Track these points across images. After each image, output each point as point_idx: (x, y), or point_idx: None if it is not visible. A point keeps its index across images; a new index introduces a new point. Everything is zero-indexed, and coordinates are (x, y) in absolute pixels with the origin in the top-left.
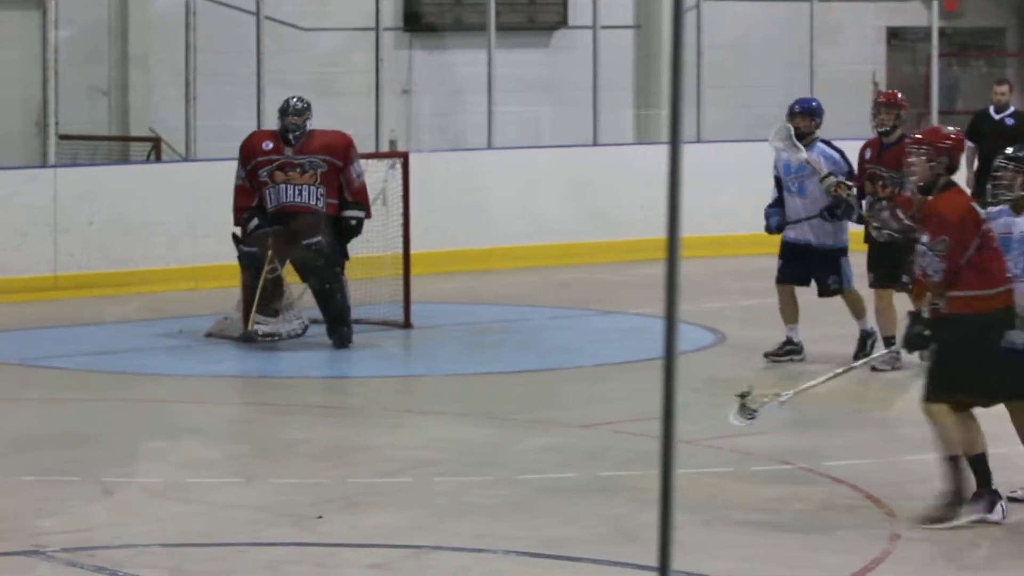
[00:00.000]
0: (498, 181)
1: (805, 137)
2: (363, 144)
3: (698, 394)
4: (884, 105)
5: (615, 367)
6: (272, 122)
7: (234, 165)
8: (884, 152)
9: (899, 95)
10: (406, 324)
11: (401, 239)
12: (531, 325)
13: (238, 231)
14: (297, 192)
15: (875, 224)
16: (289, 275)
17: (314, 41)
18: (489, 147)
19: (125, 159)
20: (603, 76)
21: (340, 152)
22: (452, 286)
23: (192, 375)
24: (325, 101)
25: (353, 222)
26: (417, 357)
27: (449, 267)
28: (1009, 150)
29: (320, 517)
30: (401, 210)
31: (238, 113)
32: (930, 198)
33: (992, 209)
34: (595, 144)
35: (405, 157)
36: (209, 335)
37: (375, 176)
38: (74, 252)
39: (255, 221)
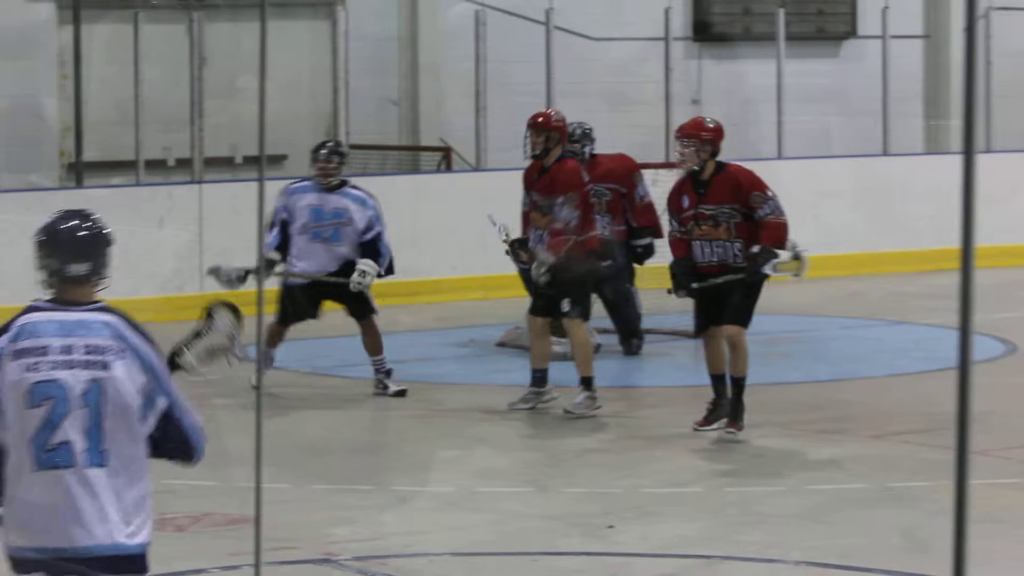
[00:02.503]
0: (788, 191)
1: None
2: (653, 154)
3: (989, 404)
4: None
5: (906, 377)
6: None
7: (521, 176)
8: None
9: None
10: (696, 334)
11: None
12: (821, 335)
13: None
14: None
15: None
16: None
17: (604, 51)
18: (779, 157)
19: (416, 169)
20: (892, 86)
21: (624, 179)
22: None
23: (483, 384)
24: (615, 111)
25: (640, 250)
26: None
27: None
28: None
29: (611, 527)
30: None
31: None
32: None
33: None
34: (885, 154)
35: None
36: (501, 344)
37: (665, 187)
38: None
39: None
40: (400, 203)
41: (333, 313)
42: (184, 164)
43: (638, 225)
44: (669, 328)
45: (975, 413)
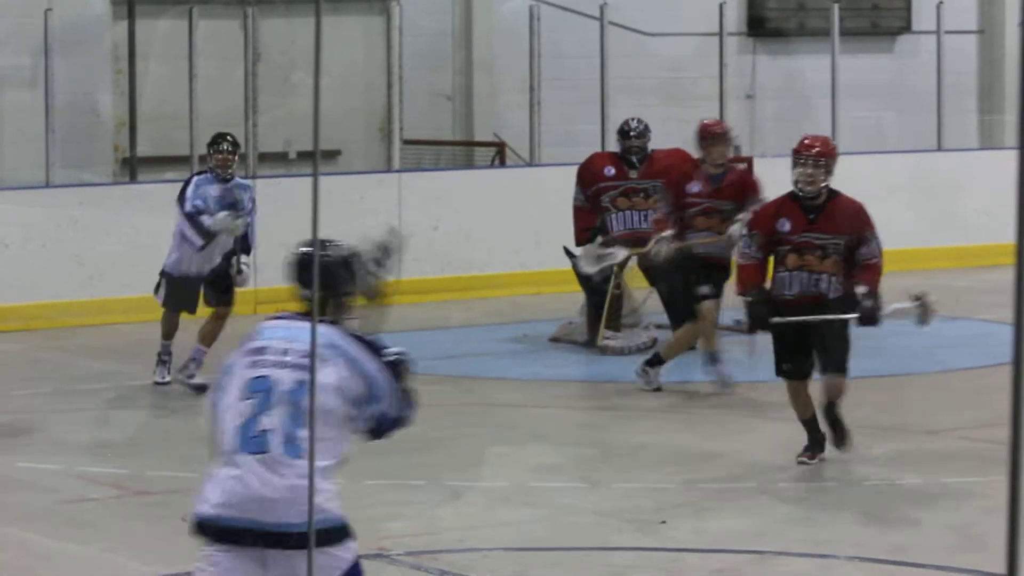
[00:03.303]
0: (843, 186)
1: None
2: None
3: None
4: None
5: (961, 373)
6: (615, 128)
7: (575, 171)
8: None
9: None
10: (751, 329)
11: None
12: (877, 331)
13: (571, 247)
14: (643, 218)
15: None
16: (635, 280)
17: (659, 46)
18: None
19: (469, 164)
20: (947, 81)
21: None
22: None
23: (536, 379)
24: (669, 106)
25: None
26: (763, 362)
27: None
28: None
29: (664, 522)
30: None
31: (582, 118)
32: None
33: None
34: (940, 149)
35: (749, 162)
36: (554, 339)
37: None
38: (419, 257)
39: (600, 239)
40: (453, 198)
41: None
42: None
43: None
44: (724, 324)
45: None
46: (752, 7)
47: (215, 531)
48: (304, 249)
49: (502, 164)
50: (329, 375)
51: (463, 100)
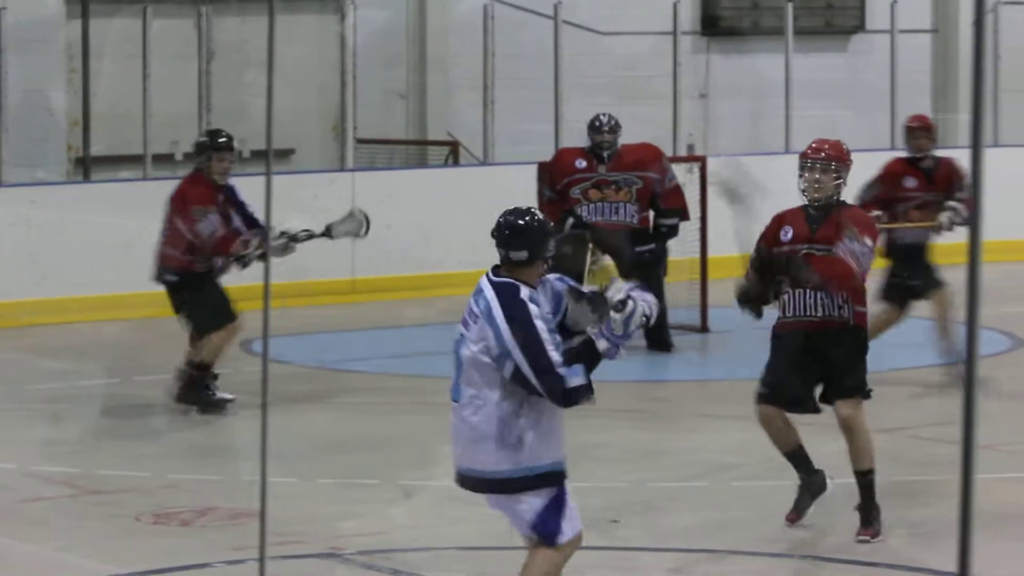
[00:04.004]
0: (796, 185)
1: None
2: (661, 148)
3: (996, 399)
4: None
5: (912, 371)
6: (568, 127)
7: (531, 170)
8: None
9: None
10: (703, 328)
11: (699, 243)
12: None
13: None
14: (613, 210)
15: None
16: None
17: (612, 45)
18: (787, 151)
19: (423, 163)
20: (901, 80)
21: (653, 165)
22: None
23: None
24: (623, 105)
25: (664, 229)
26: (715, 361)
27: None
28: None
29: (616, 521)
30: (699, 214)
31: (536, 117)
32: None
33: None
34: (893, 148)
35: (703, 161)
36: None
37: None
38: (373, 256)
39: (571, 220)
40: (407, 197)
41: (341, 307)
42: (191, 158)
43: (665, 207)
44: (676, 322)
45: (981, 408)
46: (706, 6)
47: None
48: (510, 218)
49: (456, 163)
50: (473, 331)
51: (417, 99)
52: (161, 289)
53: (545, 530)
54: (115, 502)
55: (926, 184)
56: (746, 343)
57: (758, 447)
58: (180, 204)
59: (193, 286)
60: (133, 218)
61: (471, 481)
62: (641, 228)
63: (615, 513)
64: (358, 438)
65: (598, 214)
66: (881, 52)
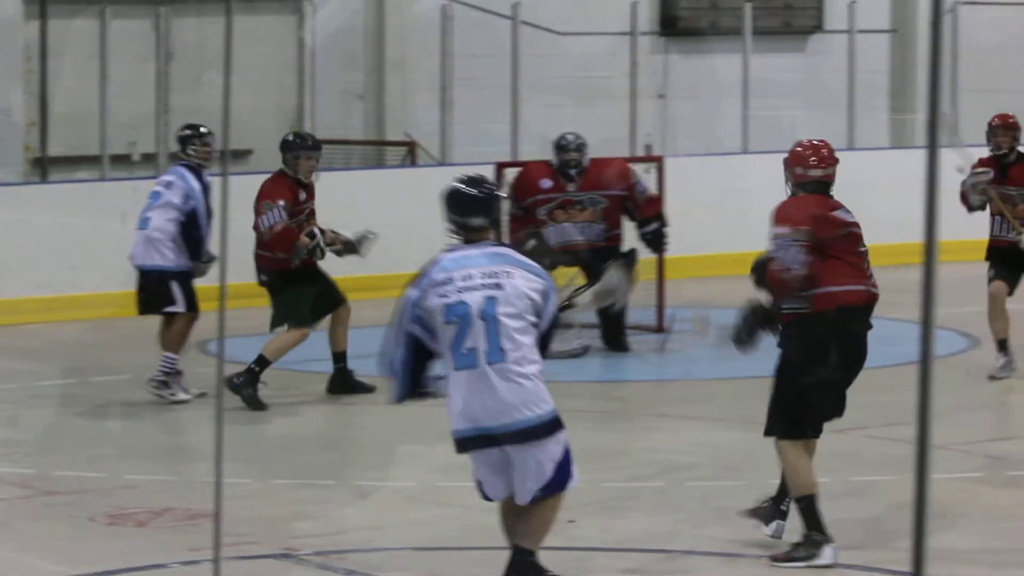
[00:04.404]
0: (754, 185)
1: None
2: (619, 149)
3: (951, 399)
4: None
5: (868, 372)
6: (526, 128)
7: (488, 170)
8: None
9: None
10: (659, 328)
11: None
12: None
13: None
14: (579, 230)
15: None
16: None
17: (570, 46)
18: (745, 151)
19: (380, 163)
20: (859, 80)
21: (619, 182)
22: (707, 290)
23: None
24: (581, 106)
25: (649, 236)
26: (671, 361)
27: (704, 271)
28: None
29: (572, 521)
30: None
31: (494, 118)
32: None
33: None
34: (851, 148)
35: (661, 161)
36: None
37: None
38: (330, 255)
39: (532, 242)
40: (365, 198)
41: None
42: (149, 159)
43: (644, 217)
44: (633, 323)
45: (936, 408)
46: (664, 6)
47: (462, 444)
48: (460, 185)
49: (413, 163)
50: (519, 282)
51: (374, 99)
52: (119, 290)
53: (561, 475)
54: (71, 503)
55: (1000, 179)
56: (702, 344)
57: (713, 447)
58: (257, 203)
59: (280, 285)
60: (91, 219)
61: (506, 436)
62: (609, 247)
63: (571, 513)
64: (314, 438)
65: (563, 235)
66: (839, 52)
